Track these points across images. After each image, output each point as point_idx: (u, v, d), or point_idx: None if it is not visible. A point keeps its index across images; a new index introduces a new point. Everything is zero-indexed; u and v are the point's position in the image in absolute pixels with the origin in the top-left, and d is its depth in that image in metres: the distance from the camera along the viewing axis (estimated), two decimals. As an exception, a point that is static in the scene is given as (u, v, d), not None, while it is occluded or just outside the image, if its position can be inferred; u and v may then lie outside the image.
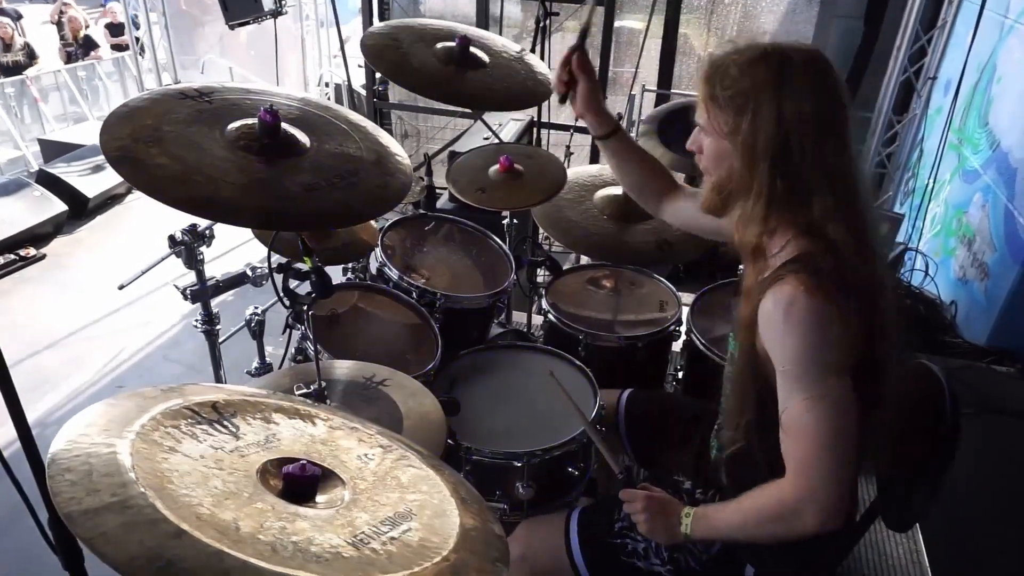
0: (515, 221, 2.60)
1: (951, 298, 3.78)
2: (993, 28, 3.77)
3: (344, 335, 2.00)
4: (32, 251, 4.44)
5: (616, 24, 4.92)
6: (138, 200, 5.32)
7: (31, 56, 7.42)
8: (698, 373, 2.23)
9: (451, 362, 2.00)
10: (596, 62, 4.57)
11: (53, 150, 5.70)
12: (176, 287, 1.95)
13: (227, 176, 1.19)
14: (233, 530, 0.75)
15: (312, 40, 7.48)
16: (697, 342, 2.15)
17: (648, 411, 1.83)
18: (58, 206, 4.75)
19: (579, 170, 2.42)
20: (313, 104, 1.48)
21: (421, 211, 2.43)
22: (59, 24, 7.93)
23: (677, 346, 2.35)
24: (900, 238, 4.00)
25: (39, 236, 4.60)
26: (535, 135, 2.85)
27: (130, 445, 0.82)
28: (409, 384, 1.67)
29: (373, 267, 2.30)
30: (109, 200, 5.24)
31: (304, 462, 0.91)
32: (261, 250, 1.71)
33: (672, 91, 5.00)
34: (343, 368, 1.71)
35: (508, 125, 4.39)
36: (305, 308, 1.57)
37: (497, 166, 2.13)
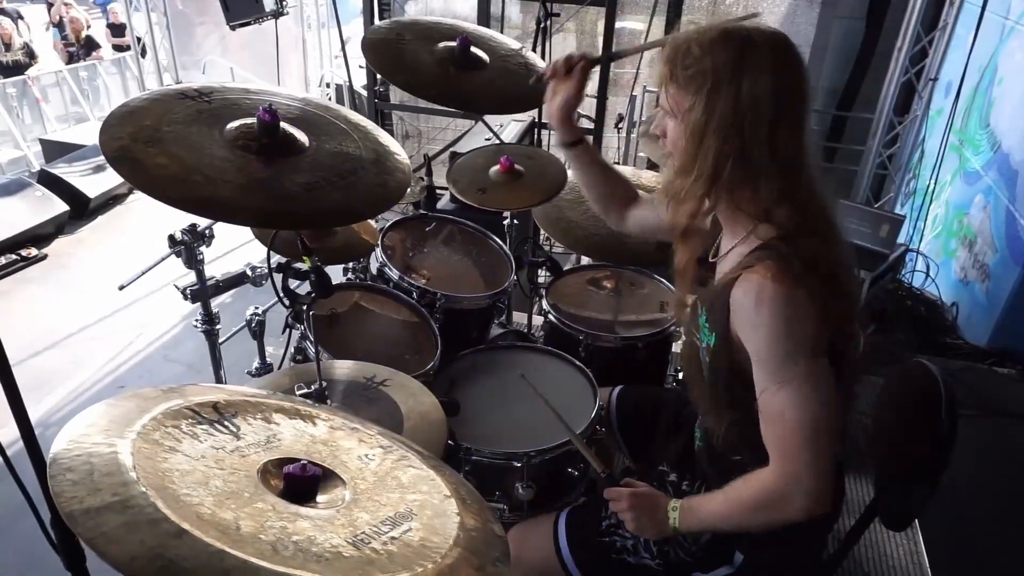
0: (516, 222, 2.59)
1: (952, 299, 3.78)
2: (994, 30, 3.77)
3: (344, 335, 1.99)
4: (33, 251, 4.45)
5: (617, 25, 4.92)
6: (139, 200, 5.33)
7: (31, 56, 7.44)
8: (698, 373, 2.22)
9: (451, 362, 2.00)
10: (597, 63, 4.57)
11: (54, 150, 5.71)
12: (176, 287, 1.95)
13: (226, 176, 1.19)
14: (234, 530, 0.76)
15: (313, 41, 7.49)
16: (697, 343, 2.14)
17: (638, 406, 1.83)
18: (59, 206, 4.76)
19: (580, 171, 2.41)
20: (312, 104, 1.48)
21: (422, 212, 2.43)
22: (60, 24, 7.94)
23: (677, 346, 2.34)
24: (901, 239, 4.00)
25: (40, 236, 4.61)
26: (536, 136, 2.85)
27: (131, 445, 0.82)
28: (410, 384, 1.66)
29: (373, 267, 2.30)
30: (110, 200, 5.25)
31: (305, 462, 0.91)
32: (261, 250, 1.71)
33: (673, 92, 5.00)
34: (343, 368, 1.70)
35: (509, 126, 4.39)
36: (305, 308, 1.57)
37: (498, 167, 2.13)
